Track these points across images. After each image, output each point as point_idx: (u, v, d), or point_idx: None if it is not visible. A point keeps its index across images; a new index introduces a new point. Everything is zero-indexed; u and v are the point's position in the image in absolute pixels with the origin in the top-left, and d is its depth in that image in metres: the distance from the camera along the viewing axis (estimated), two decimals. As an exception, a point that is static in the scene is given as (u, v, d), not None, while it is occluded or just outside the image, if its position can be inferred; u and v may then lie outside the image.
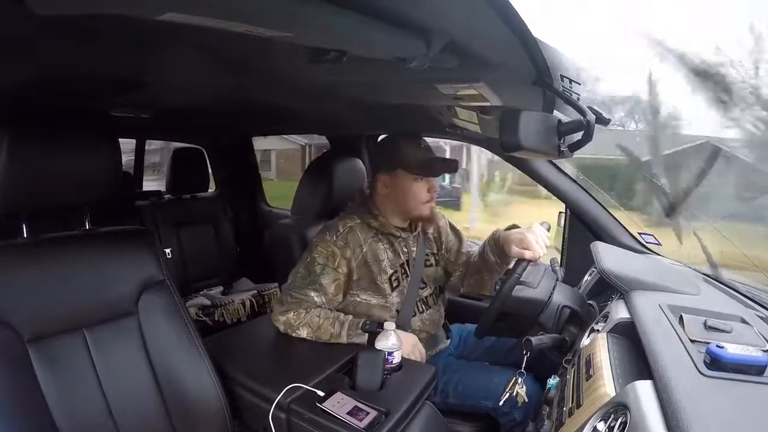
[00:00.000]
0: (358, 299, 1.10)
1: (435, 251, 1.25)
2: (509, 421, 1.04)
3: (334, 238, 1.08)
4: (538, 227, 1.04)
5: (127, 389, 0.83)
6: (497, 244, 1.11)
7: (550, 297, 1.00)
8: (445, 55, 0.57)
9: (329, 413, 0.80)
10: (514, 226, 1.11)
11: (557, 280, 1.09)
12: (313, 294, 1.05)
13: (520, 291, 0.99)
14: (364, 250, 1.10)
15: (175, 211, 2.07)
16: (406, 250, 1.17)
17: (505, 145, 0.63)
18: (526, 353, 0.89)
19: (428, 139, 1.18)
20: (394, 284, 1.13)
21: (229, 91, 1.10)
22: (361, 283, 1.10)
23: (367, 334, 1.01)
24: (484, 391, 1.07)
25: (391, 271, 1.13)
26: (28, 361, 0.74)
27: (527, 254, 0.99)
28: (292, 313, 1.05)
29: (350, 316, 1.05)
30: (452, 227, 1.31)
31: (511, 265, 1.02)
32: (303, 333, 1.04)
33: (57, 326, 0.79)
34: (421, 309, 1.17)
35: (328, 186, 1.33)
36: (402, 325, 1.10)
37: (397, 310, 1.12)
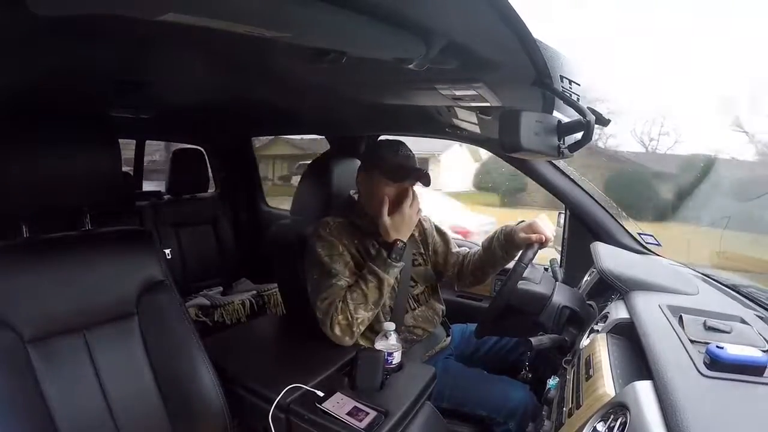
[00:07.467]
0: None
1: (422, 251, 1.27)
2: (504, 431, 1.04)
3: (327, 231, 1.11)
4: (543, 217, 1.08)
5: (127, 390, 0.83)
6: (506, 237, 1.13)
7: (551, 295, 1.01)
8: (445, 55, 0.57)
9: (329, 413, 0.80)
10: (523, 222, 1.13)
11: (557, 281, 1.09)
12: (334, 281, 1.05)
13: (523, 285, 1.00)
14: (355, 241, 1.12)
15: (174, 211, 2.07)
16: None
17: (505, 145, 0.63)
18: (527, 353, 0.89)
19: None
20: None
21: (229, 91, 1.10)
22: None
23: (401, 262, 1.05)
24: (481, 399, 1.07)
25: None
26: (28, 362, 0.74)
27: (534, 237, 1.03)
28: (339, 317, 1.01)
29: (371, 267, 1.04)
30: (438, 230, 1.33)
31: (516, 258, 1.04)
32: (362, 316, 1.02)
33: (57, 327, 0.78)
34: (412, 306, 1.18)
35: (327, 186, 1.33)
36: (395, 321, 1.11)
37: (391, 307, 1.13)
